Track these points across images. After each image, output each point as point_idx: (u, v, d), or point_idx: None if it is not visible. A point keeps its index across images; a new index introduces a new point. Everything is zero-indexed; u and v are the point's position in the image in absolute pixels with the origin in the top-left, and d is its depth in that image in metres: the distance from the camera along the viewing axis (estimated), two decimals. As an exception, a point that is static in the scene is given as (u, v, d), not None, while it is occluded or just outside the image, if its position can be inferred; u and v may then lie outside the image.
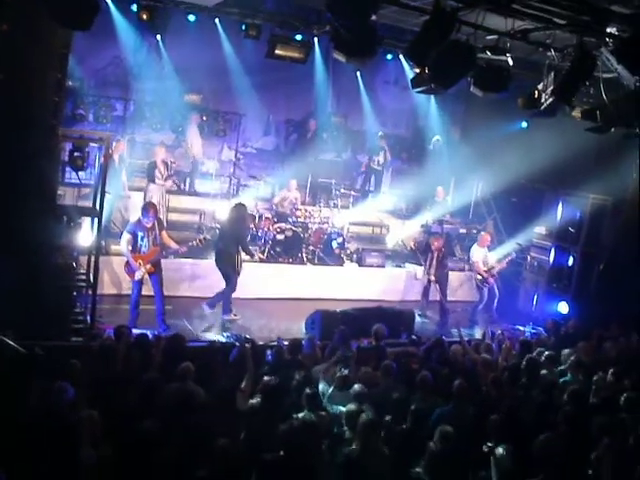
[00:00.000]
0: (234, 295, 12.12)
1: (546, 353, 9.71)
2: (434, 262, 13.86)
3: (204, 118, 16.73)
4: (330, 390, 7.54)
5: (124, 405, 6.59)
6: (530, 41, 9.89)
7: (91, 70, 15.60)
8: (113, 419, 6.04)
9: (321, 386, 7.62)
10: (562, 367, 9.43)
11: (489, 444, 5.74)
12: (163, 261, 11.31)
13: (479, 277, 14.01)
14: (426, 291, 14.06)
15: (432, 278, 13.86)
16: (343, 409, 6.79)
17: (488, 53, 9.72)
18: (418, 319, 12.93)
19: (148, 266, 10.74)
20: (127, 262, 10.78)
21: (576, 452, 6.52)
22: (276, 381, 7.00)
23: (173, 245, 11.07)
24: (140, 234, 10.70)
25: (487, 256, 14.08)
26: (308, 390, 7.06)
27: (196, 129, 15.94)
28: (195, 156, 15.80)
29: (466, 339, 10.56)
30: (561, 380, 8.82)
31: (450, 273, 15.45)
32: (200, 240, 11.55)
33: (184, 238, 12.23)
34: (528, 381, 8.47)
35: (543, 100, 9.96)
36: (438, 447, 6.25)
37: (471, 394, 7.55)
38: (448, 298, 14.09)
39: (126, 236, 10.73)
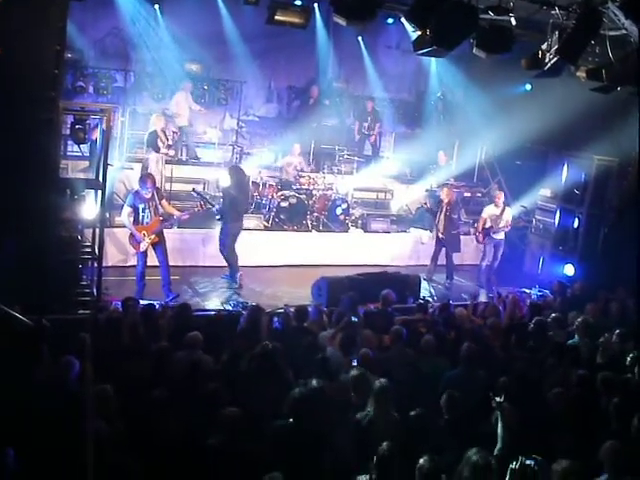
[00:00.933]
0: (243, 263, 12.26)
1: (553, 315, 9.74)
2: (442, 217, 13.81)
3: (205, 87, 16.62)
4: (337, 355, 7.57)
5: (134, 377, 6.62)
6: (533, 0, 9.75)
7: (90, 42, 15.45)
8: (123, 392, 6.07)
9: (329, 351, 7.65)
10: (569, 329, 9.45)
11: (497, 399, 5.74)
12: (167, 231, 11.33)
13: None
14: (435, 254, 14.03)
15: (441, 236, 13.79)
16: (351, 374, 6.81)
17: (491, 13, 9.60)
18: (424, 284, 12.93)
19: (152, 236, 10.76)
20: (131, 234, 10.79)
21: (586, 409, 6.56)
22: (271, 346, 7.03)
23: (175, 212, 11.10)
24: (141, 206, 10.71)
25: (497, 214, 13.95)
26: (318, 356, 7.09)
27: (186, 97, 15.71)
28: (181, 125, 15.49)
29: (473, 302, 10.58)
30: (569, 342, 8.82)
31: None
32: (201, 205, 11.54)
33: (188, 208, 12.19)
34: (536, 343, 8.49)
35: (547, 60, 9.82)
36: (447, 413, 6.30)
37: (479, 357, 7.56)
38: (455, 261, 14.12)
39: (127, 209, 10.75)
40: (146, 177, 10.98)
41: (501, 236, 13.95)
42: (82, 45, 15.13)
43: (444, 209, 13.79)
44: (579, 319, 9.28)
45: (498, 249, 13.97)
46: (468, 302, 10.52)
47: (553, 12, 9.87)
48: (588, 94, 11.08)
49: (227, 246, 12.01)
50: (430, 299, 11.56)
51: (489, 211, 14.01)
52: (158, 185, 11.90)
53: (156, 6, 15.13)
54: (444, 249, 13.97)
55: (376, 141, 17.81)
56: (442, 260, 14.09)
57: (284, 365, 7.01)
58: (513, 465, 4.87)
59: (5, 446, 4.84)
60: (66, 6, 8.89)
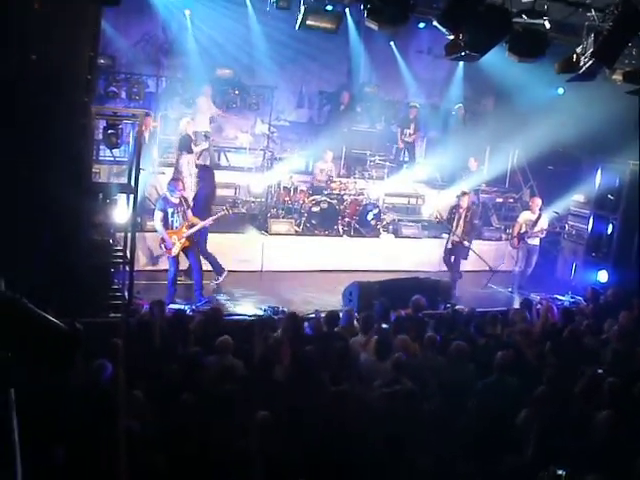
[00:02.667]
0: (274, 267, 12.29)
1: (586, 322, 9.61)
2: (461, 223, 13.43)
3: (236, 92, 16.67)
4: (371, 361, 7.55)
5: (165, 380, 6.63)
6: (569, 2, 9.62)
7: (123, 47, 15.58)
8: (154, 395, 6.08)
9: (362, 357, 7.62)
10: (603, 336, 9.32)
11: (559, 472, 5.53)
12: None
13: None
14: (448, 261, 13.67)
15: (465, 243, 13.41)
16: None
17: (524, 17, 9.49)
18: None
19: (183, 240, 10.81)
20: (162, 239, 10.86)
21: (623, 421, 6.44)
22: (309, 352, 7.03)
23: (199, 223, 11.10)
24: (170, 210, 10.81)
25: (532, 220, 13.77)
26: (352, 362, 7.07)
27: (207, 101, 15.68)
28: (205, 130, 15.43)
29: (505, 308, 10.48)
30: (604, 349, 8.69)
31: (487, 243, 15.35)
32: (227, 209, 11.57)
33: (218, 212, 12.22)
34: (571, 351, 8.36)
35: (582, 63, 9.67)
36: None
37: (513, 365, 7.47)
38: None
39: (158, 214, 10.83)
40: (175, 181, 11.06)
41: (535, 242, 13.78)
42: (115, 51, 15.28)
43: (463, 215, 13.47)
44: (614, 327, 9.14)
45: (532, 255, 13.81)
46: (500, 309, 10.41)
47: (589, 14, 9.74)
48: (622, 98, 10.92)
49: (205, 247, 11.99)
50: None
51: (525, 217, 13.87)
52: (190, 187, 12.01)
53: (187, 12, 15.23)
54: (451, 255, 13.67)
55: (415, 147, 17.78)
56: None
57: (319, 370, 6.99)
58: (544, 474, 4.79)
59: (52, 445, 4.90)
60: (99, 12, 8.97)
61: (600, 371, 7.49)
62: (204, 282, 11.20)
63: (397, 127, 17.92)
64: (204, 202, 11.97)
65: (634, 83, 10.33)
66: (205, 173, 12.57)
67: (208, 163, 15.26)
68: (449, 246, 13.57)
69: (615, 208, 14.29)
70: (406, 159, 17.68)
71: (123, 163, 12.31)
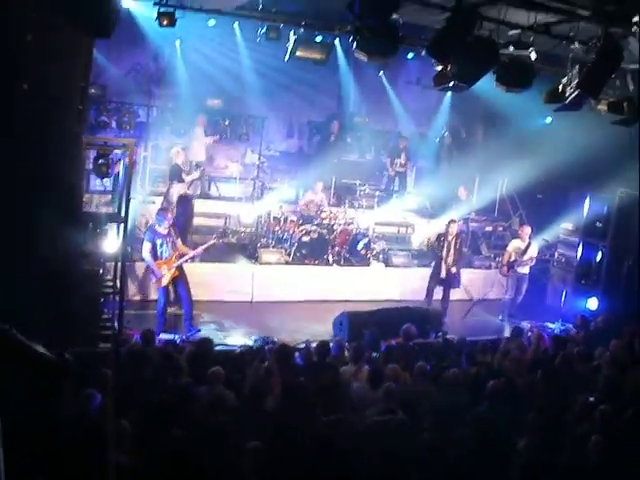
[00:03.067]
0: (264, 297, 12.25)
1: (577, 349, 9.62)
2: (452, 251, 13.41)
3: (227, 122, 16.77)
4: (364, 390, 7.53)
5: (155, 411, 6.58)
6: (553, 34, 9.77)
7: (114, 77, 15.68)
8: (144, 426, 6.03)
9: (355, 386, 7.60)
10: (595, 363, 9.33)
11: None
12: (189, 265, 11.36)
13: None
14: (432, 290, 13.60)
15: (453, 269, 13.40)
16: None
17: (511, 48, 9.64)
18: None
19: (172, 271, 10.80)
20: (152, 269, 10.85)
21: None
22: (300, 382, 7.00)
23: (189, 252, 11.11)
24: (158, 241, 10.80)
25: (522, 249, 13.82)
26: (342, 392, 7.05)
27: (201, 132, 15.85)
28: (198, 160, 15.51)
29: (495, 337, 10.49)
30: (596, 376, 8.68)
31: (477, 271, 15.41)
32: (217, 238, 11.57)
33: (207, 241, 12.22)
34: (563, 378, 8.36)
35: (568, 94, 9.83)
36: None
37: (505, 393, 7.46)
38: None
39: (147, 245, 10.82)
40: (164, 211, 11.09)
41: (525, 270, 13.83)
42: (106, 80, 15.38)
43: (453, 243, 13.46)
44: (606, 354, 9.16)
45: (522, 283, 13.85)
46: (491, 337, 10.42)
47: (573, 46, 9.90)
48: (608, 127, 11.05)
49: None
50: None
51: (514, 245, 13.94)
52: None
53: (177, 42, 15.35)
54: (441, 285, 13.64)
55: (406, 176, 17.91)
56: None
57: (311, 400, 6.96)
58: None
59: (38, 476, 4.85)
60: (91, 43, 9.03)
61: (592, 399, 7.49)
62: (194, 312, 11.16)
63: (387, 157, 18.03)
64: (180, 231, 11.96)
65: (618, 113, 10.47)
66: (183, 202, 12.57)
67: (199, 192, 15.32)
68: (442, 276, 13.52)
69: (604, 235, 14.37)
70: (396, 188, 17.78)
71: (113, 192, 12.32)
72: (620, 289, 13.91)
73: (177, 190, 13.50)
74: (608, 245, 14.27)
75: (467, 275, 14.73)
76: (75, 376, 6.26)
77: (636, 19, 8.74)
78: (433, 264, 13.83)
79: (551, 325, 13.03)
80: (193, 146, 15.51)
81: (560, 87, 10.14)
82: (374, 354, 8.82)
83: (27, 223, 8.16)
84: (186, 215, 12.20)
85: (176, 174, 13.55)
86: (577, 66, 9.62)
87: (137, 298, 12.22)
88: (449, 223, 13.71)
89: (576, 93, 9.66)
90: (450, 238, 13.46)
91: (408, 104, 18.44)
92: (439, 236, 13.83)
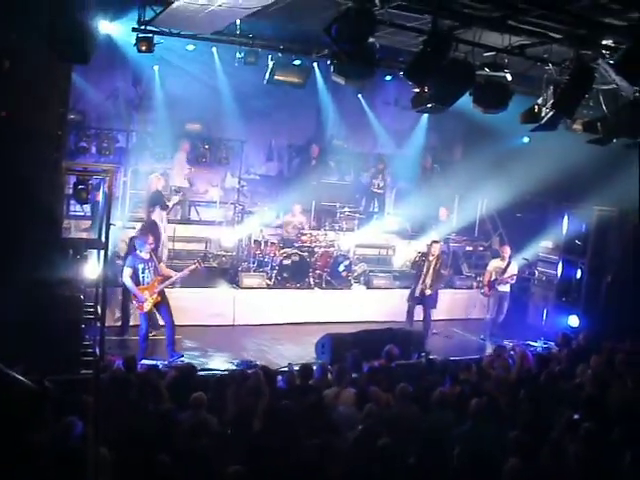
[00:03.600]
0: (246, 321, 12.33)
1: (558, 368, 9.67)
2: (431, 272, 13.44)
3: (206, 146, 16.80)
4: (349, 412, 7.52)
5: (137, 437, 6.53)
6: (527, 56, 9.94)
7: (92, 103, 15.66)
8: (126, 453, 5.98)
9: (341, 409, 7.59)
10: (577, 380, 9.37)
11: None
12: (170, 290, 11.32)
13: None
14: (412, 311, 13.62)
15: (427, 292, 13.39)
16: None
17: (487, 70, 9.76)
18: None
19: (154, 296, 10.75)
20: (134, 295, 10.78)
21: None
22: (283, 406, 6.98)
23: (172, 274, 11.07)
24: (140, 266, 10.74)
25: (502, 268, 13.89)
26: (325, 415, 7.03)
27: (184, 158, 15.92)
28: (180, 186, 15.51)
29: (478, 356, 10.51)
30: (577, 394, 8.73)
31: (458, 292, 15.46)
32: (198, 262, 11.52)
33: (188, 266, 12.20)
34: (546, 396, 8.39)
35: (544, 114, 9.96)
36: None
37: (489, 412, 7.46)
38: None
39: (127, 270, 10.76)
40: (144, 235, 11.03)
41: (506, 289, 13.88)
42: (85, 106, 15.36)
43: (433, 264, 13.49)
44: (588, 371, 9.21)
45: (503, 302, 13.89)
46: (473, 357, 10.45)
47: (547, 68, 10.07)
48: (585, 146, 11.19)
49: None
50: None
51: (494, 264, 14.00)
52: (162, 242, 11.96)
53: (155, 67, 15.37)
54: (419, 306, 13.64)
55: (384, 197, 18.00)
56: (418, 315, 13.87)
57: (294, 423, 6.93)
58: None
59: None
60: (70, 69, 9.05)
61: (576, 417, 7.51)
62: (176, 337, 11.10)
63: (367, 177, 18.09)
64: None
65: (592, 133, 10.61)
66: (150, 227, 12.54)
67: (179, 217, 15.30)
68: (417, 294, 13.54)
69: (583, 253, 14.52)
70: (376, 209, 17.82)
71: (93, 218, 12.28)
72: (600, 306, 14.03)
73: (159, 216, 13.49)
74: (587, 262, 14.41)
75: (449, 296, 14.77)
76: (55, 403, 6.23)
77: (605, 42, 8.93)
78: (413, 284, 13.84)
79: (533, 343, 13.06)
80: (174, 171, 15.52)
81: (536, 108, 10.27)
82: (355, 375, 8.79)
83: (6, 249, 8.12)
84: (156, 241, 12.06)
85: (159, 200, 13.53)
86: (551, 87, 9.76)
87: (119, 324, 12.13)
88: (432, 243, 13.76)
89: (551, 113, 9.80)
90: (431, 258, 13.49)
91: (387, 125, 18.56)
92: (421, 255, 13.84)
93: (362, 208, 17.82)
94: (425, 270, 13.48)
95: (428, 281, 13.46)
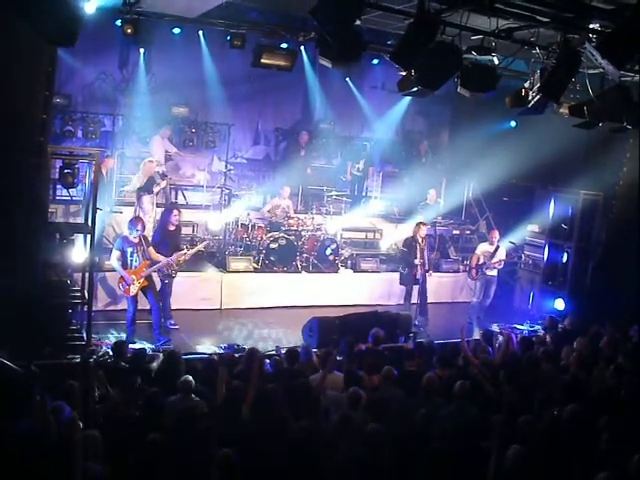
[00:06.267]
0: (234, 305, 12.27)
1: (542, 349, 9.75)
2: (425, 254, 13.63)
3: (193, 130, 16.75)
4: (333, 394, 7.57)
5: (126, 421, 6.55)
6: (515, 40, 9.93)
7: (78, 86, 15.60)
8: (115, 436, 6.00)
9: (330, 393, 7.63)
10: (562, 363, 9.45)
11: None
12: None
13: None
14: (410, 293, 13.73)
15: (431, 271, 13.79)
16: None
17: (474, 53, 9.76)
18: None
19: (141, 280, 10.73)
20: (121, 278, 10.76)
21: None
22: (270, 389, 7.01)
23: (161, 259, 11.04)
24: (129, 250, 10.69)
25: (490, 252, 13.92)
26: (308, 398, 7.05)
27: (162, 142, 15.83)
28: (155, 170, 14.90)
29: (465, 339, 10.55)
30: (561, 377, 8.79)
31: (445, 275, 15.53)
32: (187, 249, 11.54)
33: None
34: (529, 378, 8.46)
35: (530, 98, 9.99)
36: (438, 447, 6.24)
37: (472, 395, 7.51)
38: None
39: (115, 253, 10.72)
40: (135, 220, 10.99)
41: (493, 273, 13.91)
42: (71, 90, 15.29)
43: (421, 245, 13.61)
44: (573, 354, 9.28)
45: (490, 286, 13.91)
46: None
47: (534, 51, 10.09)
48: (572, 130, 11.22)
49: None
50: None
51: (483, 248, 14.01)
52: (150, 227, 11.94)
53: (141, 50, 15.28)
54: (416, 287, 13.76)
55: (363, 181, 17.90)
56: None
57: (282, 407, 6.96)
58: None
59: None
60: (55, 52, 8.98)
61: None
62: (163, 321, 11.11)
63: (348, 161, 18.04)
64: (159, 240, 11.93)
65: (579, 116, 10.64)
66: (163, 214, 12.53)
67: (163, 201, 15.25)
68: (418, 277, 13.62)
69: (569, 237, 14.59)
70: (356, 193, 17.74)
71: (79, 202, 12.24)
72: (585, 290, 14.13)
73: (148, 201, 13.45)
74: (573, 246, 14.49)
75: (436, 279, 14.83)
76: (43, 388, 6.23)
77: (592, 26, 8.95)
78: (405, 269, 13.89)
79: (520, 327, 13.14)
80: (156, 157, 15.44)
81: (523, 91, 10.29)
82: (340, 358, 8.83)
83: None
84: (164, 226, 12.02)
85: (148, 185, 13.48)
86: (538, 71, 9.78)
87: (106, 308, 12.12)
88: (419, 225, 13.80)
89: (538, 97, 9.82)
90: (420, 240, 13.58)
91: (374, 109, 18.55)
92: (409, 240, 13.88)
93: (350, 192, 17.80)
94: (419, 252, 13.57)
95: (426, 262, 13.65)
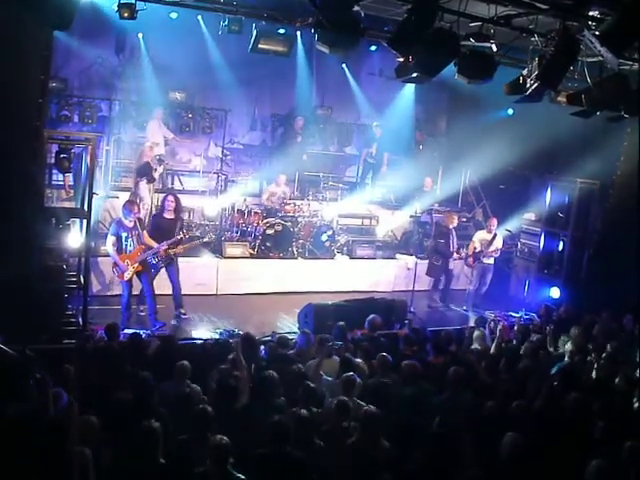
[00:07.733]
0: (229, 291, 12.45)
1: (538, 337, 9.78)
2: (455, 242, 14.06)
3: (190, 115, 16.69)
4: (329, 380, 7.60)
5: (120, 406, 6.55)
6: (513, 27, 9.88)
7: (75, 71, 15.52)
8: (110, 421, 6.00)
9: (323, 380, 7.65)
10: (559, 351, 9.48)
11: None
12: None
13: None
14: (438, 282, 14.23)
15: (470, 260, 13.99)
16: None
17: (472, 40, 9.72)
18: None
19: (136, 265, 10.72)
20: (115, 263, 10.74)
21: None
22: (266, 375, 7.01)
23: (154, 244, 11.01)
24: (124, 234, 10.67)
25: (487, 240, 13.96)
26: (306, 385, 7.05)
27: (159, 125, 15.79)
28: (156, 155, 14.92)
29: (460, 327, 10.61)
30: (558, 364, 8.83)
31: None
32: (184, 235, 11.52)
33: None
34: (525, 366, 8.48)
35: (528, 85, 9.96)
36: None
37: (467, 381, 7.54)
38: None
39: (111, 238, 10.69)
40: (130, 204, 10.96)
41: (490, 261, 13.97)
42: (67, 74, 15.21)
43: (455, 233, 14.18)
44: (568, 342, 9.31)
45: (487, 274, 13.97)
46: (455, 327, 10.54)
47: (533, 39, 10.05)
48: (569, 119, 11.20)
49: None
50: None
51: (480, 236, 14.05)
52: (148, 213, 11.92)
53: (140, 35, 15.21)
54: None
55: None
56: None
57: (277, 393, 6.98)
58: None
59: None
60: (51, 35, 8.93)
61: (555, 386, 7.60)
62: (158, 306, 11.10)
63: (362, 148, 18.16)
64: (155, 228, 11.92)
65: (576, 105, 10.61)
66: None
67: (161, 187, 15.23)
68: (451, 267, 14.19)
69: (565, 225, 14.59)
70: (376, 180, 17.85)
71: (76, 187, 12.20)
72: (581, 278, 14.15)
73: (146, 186, 13.43)
74: (569, 235, 14.50)
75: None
76: (38, 373, 6.23)
77: (591, 14, 8.91)
78: (439, 260, 14.15)
79: (515, 315, 13.16)
80: (153, 141, 15.37)
81: (521, 79, 10.26)
82: (338, 343, 8.84)
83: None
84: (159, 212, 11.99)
85: (147, 171, 13.44)
86: (537, 58, 9.75)
87: (102, 293, 12.12)
88: (450, 214, 14.46)
89: (536, 85, 9.79)
90: (451, 227, 14.08)
91: (371, 96, 18.49)
92: (440, 231, 14.35)
93: (355, 178, 17.78)
94: (453, 241, 14.02)
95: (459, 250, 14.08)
